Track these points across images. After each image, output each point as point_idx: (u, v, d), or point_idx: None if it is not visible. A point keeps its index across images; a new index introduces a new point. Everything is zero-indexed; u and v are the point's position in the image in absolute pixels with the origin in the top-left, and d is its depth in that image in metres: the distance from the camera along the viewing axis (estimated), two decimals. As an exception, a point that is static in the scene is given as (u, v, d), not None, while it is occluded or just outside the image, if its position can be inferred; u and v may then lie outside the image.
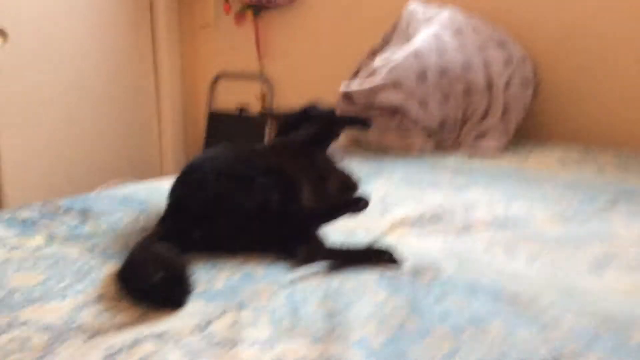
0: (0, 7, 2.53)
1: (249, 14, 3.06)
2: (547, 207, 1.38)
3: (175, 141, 3.39)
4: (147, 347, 0.77)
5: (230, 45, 3.24)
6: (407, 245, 1.14)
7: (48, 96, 2.77)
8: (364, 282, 0.98)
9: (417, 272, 1.01)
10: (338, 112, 2.20)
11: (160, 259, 0.93)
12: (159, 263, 0.94)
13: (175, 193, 1.17)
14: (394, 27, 2.33)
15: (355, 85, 2.11)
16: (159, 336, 0.79)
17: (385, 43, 2.33)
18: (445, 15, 2.20)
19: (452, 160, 1.96)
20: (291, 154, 1.35)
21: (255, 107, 3.23)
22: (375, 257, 1.06)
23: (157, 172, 3.32)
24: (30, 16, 2.66)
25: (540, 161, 1.90)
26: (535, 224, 1.27)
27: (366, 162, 1.92)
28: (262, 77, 3.17)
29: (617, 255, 1.09)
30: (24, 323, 0.84)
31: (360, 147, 2.19)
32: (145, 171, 3.23)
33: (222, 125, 3.34)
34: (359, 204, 1.16)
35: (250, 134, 3.21)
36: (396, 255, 1.05)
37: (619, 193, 1.49)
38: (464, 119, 2.11)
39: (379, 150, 2.12)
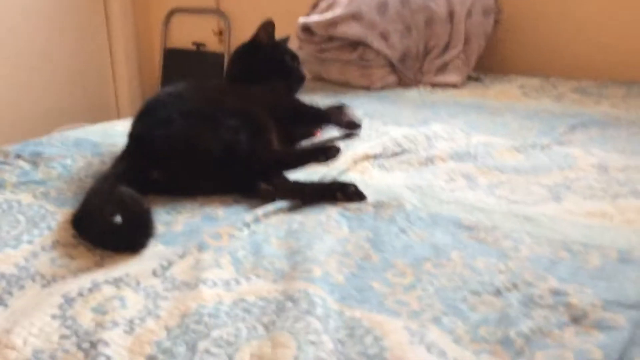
0: None
1: (201, -56, 2.91)
2: (507, 138, 1.39)
3: (130, 81, 3.26)
4: (106, 291, 0.75)
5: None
6: (369, 179, 1.14)
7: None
8: (326, 218, 0.97)
9: (379, 207, 1.01)
10: (297, 45, 2.15)
11: (120, 201, 0.90)
12: (118, 206, 0.90)
13: (135, 131, 1.13)
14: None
15: (315, 17, 2.04)
16: (118, 280, 0.78)
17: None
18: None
19: (414, 94, 1.94)
20: (259, 93, 1.31)
21: (212, 44, 3.13)
22: (339, 191, 1.04)
23: (113, 115, 3.21)
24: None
25: (501, 92, 1.90)
26: (496, 155, 1.27)
27: (327, 98, 1.89)
28: (218, 11, 3.05)
29: (575, 181, 1.11)
30: (-25, 273, 0.81)
31: (321, 83, 2.15)
32: (101, 114, 3.11)
33: (178, 63, 3.22)
34: (329, 152, 1.14)
35: (208, 71, 3.11)
36: (360, 190, 1.05)
37: (577, 120, 1.51)
38: (426, 51, 2.08)
39: (340, 86, 2.09)
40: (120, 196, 0.91)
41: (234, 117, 1.14)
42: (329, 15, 2.00)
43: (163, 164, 1.07)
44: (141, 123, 1.15)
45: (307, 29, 2.07)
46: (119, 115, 3.23)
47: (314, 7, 2.23)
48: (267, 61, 1.46)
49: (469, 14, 2.06)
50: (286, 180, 1.10)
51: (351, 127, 1.41)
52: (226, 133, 1.10)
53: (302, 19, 2.07)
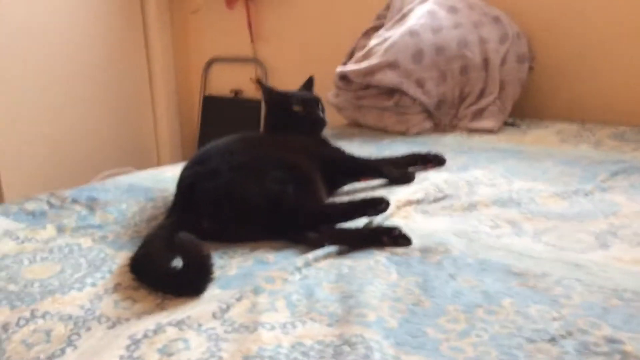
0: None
1: (241, -4, 3.04)
2: (549, 184, 1.40)
3: (171, 128, 3.38)
4: (170, 333, 0.78)
5: (222, 29, 3.21)
6: (413, 225, 1.16)
7: (40, 88, 2.74)
8: (375, 263, 1.00)
9: (426, 252, 1.03)
10: (335, 92, 2.21)
11: (181, 245, 0.94)
12: (179, 250, 0.94)
13: (186, 182, 1.18)
14: (388, 6, 2.32)
15: (352, 66, 2.11)
16: (180, 323, 0.81)
17: (379, 23, 2.33)
18: (439, -7, 2.20)
19: (450, 140, 1.97)
20: (302, 146, 1.35)
21: (249, 91, 3.23)
22: (385, 235, 1.07)
23: (154, 161, 3.31)
24: (17, 9, 2.62)
25: (538, 138, 1.92)
26: (539, 201, 1.29)
27: (365, 144, 1.93)
28: (255, 60, 3.15)
29: (621, 228, 1.11)
30: (45, 314, 0.85)
31: (358, 129, 2.20)
32: (142, 160, 3.22)
33: (216, 110, 3.33)
34: (379, 206, 1.16)
35: (245, 117, 3.20)
36: (405, 233, 1.07)
37: (618, 167, 1.51)
38: (461, 98, 2.12)
39: (377, 132, 2.13)
40: (180, 241, 0.94)
41: (280, 168, 1.18)
42: (365, 64, 2.06)
43: (211, 215, 1.12)
44: (190, 174, 1.20)
45: (344, 77, 2.13)
46: (159, 160, 3.34)
47: (350, 56, 2.30)
48: (278, 111, 1.49)
49: (503, 61, 2.10)
50: (333, 227, 1.13)
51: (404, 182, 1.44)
52: (272, 184, 1.14)
53: (339, 68, 2.14)
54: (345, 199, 1.25)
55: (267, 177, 1.15)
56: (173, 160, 3.04)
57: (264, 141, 1.38)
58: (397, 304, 0.86)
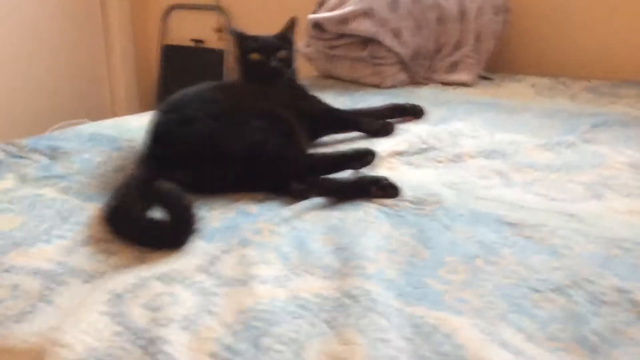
0: None
1: (203, -61, 2.87)
2: (530, 135, 1.38)
3: (127, 78, 3.22)
4: (154, 287, 0.72)
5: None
6: (400, 176, 1.11)
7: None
8: (365, 215, 0.95)
9: (417, 203, 0.99)
10: (306, 42, 2.12)
11: (161, 195, 0.87)
12: (159, 201, 0.87)
13: (158, 130, 1.09)
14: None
15: (326, 14, 2.02)
16: (164, 276, 0.75)
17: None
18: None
19: (426, 92, 1.93)
20: (281, 95, 1.28)
21: (211, 41, 3.09)
22: (373, 186, 1.02)
23: (109, 113, 3.15)
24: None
25: (514, 91, 1.90)
26: (523, 153, 1.26)
27: (339, 96, 1.86)
28: (218, 8, 3.01)
29: (611, 179, 1.10)
30: (9, 269, 0.78)
31: (330, 80, 2.13)
32: (96, 112, 3.06)
33: (177, 60, 3.18)
34: (366, 158, 1.11)
35: (207, 68, 3.07)
36: (394, 183, 1.02)
37: (597, 119, 1.50)
38: (437, 49, 2.07)
39: (350, 84, 2.07)
40: (160, 190, 0.87)
41: (260, 117, 1.11)
42: (340, 11, 1.98)
43: (187, 165, 1.04)
44: (163, 122, 1.11)
45: (317, 26, 2.05)
46: (115, 114, 3.17)
47: (320, 5, 2.20)
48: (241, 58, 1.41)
49: (479, 12, 2.05)
50: (318, 178, 1.07)
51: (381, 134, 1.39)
52: (253, 134, 1.07)
53: (312, 16, 2.05)
54: (328, 150, 1.20)
55: (248, 126, 1.08)
56: (130, 113, 2.90)
57: (242, 90, 1.30)
58: (394, 256, 0.82)
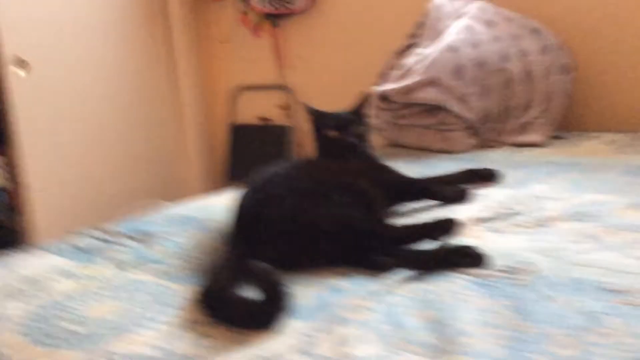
0: (20, 37, 2.49)
1: (267, 24, 3.03)
2: (619, 195, 1.33)
3: (200, 157, 3.36)
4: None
5: (249, 57, 3.20)
6: (488, 244, 1.09)
7: (71, 123, 2.74)
8: (459, 286, 0.93)
9: (512, 272, 0.96)
10: (374, 113, 2.16)
11: (255, 275, 0.89)
12: (253, 280, 0.89)
13: (247, 210, 1.12)
14: (422, 24, 2.28)
15: (391, 85, 2.06)
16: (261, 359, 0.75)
17: (412, 41, 2.29)
18: (475, 7, 2.16)
19: (498, 155, 1.91)
20: (359, 169, 1.30)
21: (277, 118, 3.20)
22: (458, 255, 1.01)
23: (183, 192, 3.28)
24: (50, 43, 2.63)
25: (591, 150, 1.85)
26: (615, 213, 1.21)
27: (410, 164, 1.87)
28: (283, 86, 3.13)
29: None
30: (112, 356, 0.80)
31: (400, 149, 2.14)
32: (171, 190, 3.20)
33: (245, 138, 3.30)
34: (449, 226, 1.11)
35: (274, 145, 3.17)
36: (480, 251, 1.01)
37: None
38: (507, 112, 2.06)
39: (419, 152, 2.07)
40: (252, 270, 0.89)
41: (344, 192, 1.13)
42: (406, 82, 2.02)
43: (275, 243, 1.06)
44: (251, 201, 1.14)
45: (384, 98, 2.09)
46: (187, 192, 3.30)
47: (383, 76, 2.25)
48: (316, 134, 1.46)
49: (547, 72, 2.04)
50: (403, 250, 1.07)
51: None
52: (339, 208, 1.09)
53: (378, 88, 2.10)
54: (409, 221, 1.19)
55: (332, 201, 1.10)
56: (201, 191, 3.00)
57: (321, 166, 1.33)
58: (494, 330, 0.80)
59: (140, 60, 3.06)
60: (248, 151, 3.27)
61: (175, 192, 3.16)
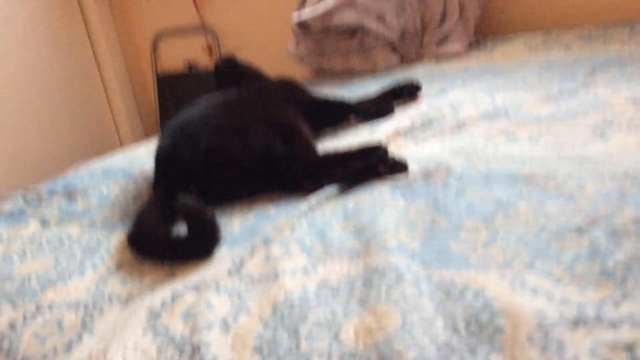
0: None
1: (177, -37, 2.91)
2: (530, 91, 1.38)
3: (128, 111, 3.26)
4: (189, 298, 0.75)
5: (164, 1, 3.07)
6: (408, 153, 1.13)
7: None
8: (379, 195, 0.97)
9: (428, 175, 1.00)
10: (294, 43, 2.14)
11: (184, 209, 0.89)
12: (183, 214, 0.90)
13: (164, 152, 1.12)
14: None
15: (308, 13, 2.04)
16: (196, 286, 0.77)
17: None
18: None
19: (420, 69, 1.93)
20: (279, 95, 1.30)
21: (203, 61, 3.12)
22: (380, 164, 1.04)
23: (117, 147, 3.20)
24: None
25: (507, 52, 1.90)
26: (526, 108, 1.27)
27: (337, 88, 1.88)
28: (204, 28, 3.04)
29: (614, 119, 1.10)
30: (50, 305, 0.81)
31: (325, 75, 2.14)
32: (104, 149, 3.11)
33: (173, 86, 3.21)
34: (377, 152, 1.10)
35: (204, 89, 3.09)
36: (400, 158, 1.04)
37: (594, 63, 1.50)
38: (423, 26, 2.07)
39: (344, 75, 2.08)
40: (183, 204, 0.90)
41: (263, 123, 1.13)
42: (322, 7, 1.99)
43: (199, 181, 1.06)
44: (168, 145, 1.13)
45: (302, 25, 2.06)
46: (122, 146, 3.22)
47: (303, 3, 2.22)
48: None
49: (459, -17, 2.05)
50: (324, 170, 1.09)
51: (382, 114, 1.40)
52: (257, 141, 1.09)
53: (296, 16, 2.07)
54: (338, 145, 1.21)
55: (250, 135, 1.10)
56: (136, 141, 2.94)
57: (240, 98, 1.32)
58: (414, 228, 0.84)
59: (49, 16, 2.89)
60: (176, 99, 3.19)
61: (106, 148, 3.07)
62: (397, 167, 1.04)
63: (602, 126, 1.07)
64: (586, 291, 0.62)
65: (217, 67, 1.56)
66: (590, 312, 0.58)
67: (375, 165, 1.05)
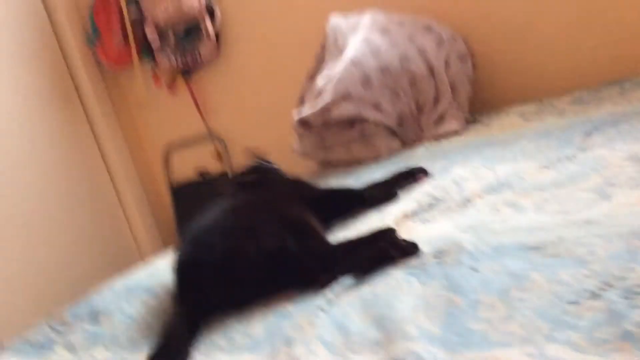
0: None
1: (180, 80, 3.07)
2: (530, 160, 1.41)
3: (145, 223, 3.32)
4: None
5: (171, 115, 3.22)
6: (418, 235, 1.15)
7: (7, 227, 2.67)
8: (394, 280, 0.98)
9: (440, 255, 1.02)
10: (297, 140, 2.22)
11: None
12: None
13: (182, 264, 1.15)
14: (323, 46, 2.37)
15: (307, 110, 2.13)
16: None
17: (319, 63, 2.37)
18: (367, 19, 2.26)
19: (422, 151, 1.99)
20: (287, 193, 1.35)
21: (214, 168, 3.21)
22: (391, 248, 1.05)
23: (137, 259, 3.24)
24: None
25: (504, 124, 1.95)
26: (527, 177, 1.29)
27: (343, 178, 1.93)
28: (211, 136, 3.16)
29: (614, 178, 1.12)
30: None
31: (331, 166, 2.20)
32: (125, 262, 3.14)
33: (188, 195, 3.30)
34: (387, 236, 1.13)
35: (218, 194, 3.17)
36: (410, 240, 1.06)
37: (589, 127, 1.54)
38: (419, 110, 2.15)
39: (349, 166, 2.14)
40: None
41: (272, 222, 1.16)
42: (320, 103, 2.08)
43: (219, 289, 1.09)
44: (185, 257, 1.17)
45: (303, 123, 2.15)
46: (142, 258, 3.26)
47: (301, 101, 2.32)
48: None
49: (447, 65, 2.15)
50: (337, 262, 1.10)
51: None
52: (271, 238, 1.12)
53: (296, 115, 2.16)
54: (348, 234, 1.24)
55: (262, 234, 1.13)
56: (156, 253, 2.97)
57: (250, 200, 1.36)
58: (431, 312, 0.84)
59: (62, 144, 3.02)
60: (193, 207, 3.25)
61: (127, 263, 3.11)
62: (409, 250, 1.05)
63: (603, 187, 1.09)
64: (609, 357, 0.62)
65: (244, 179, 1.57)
66: (615, 379, 0.57)
67: (386, 249, 1.06)
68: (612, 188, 1.08)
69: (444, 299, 0.87)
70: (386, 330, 0.82)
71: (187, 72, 3.03)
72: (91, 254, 3.04)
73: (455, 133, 2.05)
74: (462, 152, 1.75)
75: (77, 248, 2.97)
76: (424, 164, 1.64)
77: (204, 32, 2.83)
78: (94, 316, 1.28)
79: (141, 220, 3.30)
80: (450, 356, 0.71)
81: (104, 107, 3.21)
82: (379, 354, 0.77)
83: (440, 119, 2.13)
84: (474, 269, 0.93)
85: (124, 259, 3.16)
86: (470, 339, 0.74)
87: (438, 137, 2.07)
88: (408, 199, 1.39)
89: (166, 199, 3.36)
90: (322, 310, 0.95)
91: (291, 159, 2.43)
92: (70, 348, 1.14)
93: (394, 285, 0.96)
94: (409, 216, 1.28)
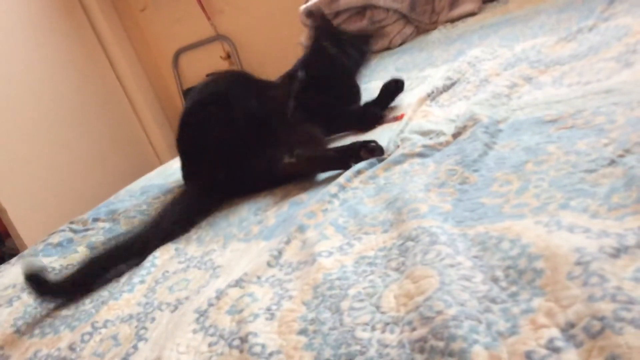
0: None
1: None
2: (550, 34, 1.34)
3: (160, 128, 3.32)
4: (232, 294, 0.76)
5: (176, 18, 3.13)
6: (435, 119, 1.12)
7: (25, 138, 2.69)
8: (409, 165, 0.96)
9: (457, 134, 0.99)
10: (305, 34, 2.14)
11: None
12: None
13: (182, 145, 1.24)
14: None
15: (315, 1, 2.03)
16: (239, 282, 0.78)
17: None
18: None
19: (437, 35, 1.90)
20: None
21: (223, 69, 3.15)
22: (361, 149, 1.05)
23: (156, 163, 3.27)
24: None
25: (522, 2, 1.84)
26: (546, 52, 1.23)
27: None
28: (219, 37, 3.08)
29: (637, 45, 1.05)
30: (105, 323, 0.83)
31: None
32: (145, 166, 3.18)
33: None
34: (371, 148, 1.08)
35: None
36: (380, 145, 1.05)
37: (610, -3, 1.44)
38: (433, -8, 2.04)
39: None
40: None
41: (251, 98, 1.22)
42: (327, -8, 1.98)
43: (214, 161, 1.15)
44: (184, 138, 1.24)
45: (311, 14, 2.06)
46: (160, 162, 3.29)
47: (308, -4, 2.22)
48: None
49: (462, -60, 2.01)
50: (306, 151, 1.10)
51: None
52: (237, 102, 1.19)
53: (302, 6, 2.07)
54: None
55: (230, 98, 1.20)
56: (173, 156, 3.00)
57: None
58: (444, 189, 0.83)
59: (68, 53, 2.97)
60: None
61: (147, 167, 3.14)
62: (377, 152, 1.05)
63: (625, 55, 1.03)
64: (625, 221, 0.60)
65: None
66: (630, 240, 0.56)
67: (358, 149, 1.05)
68: (635, 55, 1.02)
69: (457, 176, 0.85)
70: (397, 211, 0.80)
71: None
72: (112, 162, 3.08)
73: (472, 14, 1.95)
74: (478, 33, 1.67)
75: (100, 157, 3.01)
76: (439, 49, 1.58)
77: None
78: (113, 217, 1.30)
79: (155, 125, 3.31)
80: (461, 230, 0.70)
81: (107, 13, 3.12)
82: (390, 233, 0.76)
83: (456, 1, 2.02)
84: (489, 146, 0.90)
85: (143, 163, 3.20)
86: (482, 213, 0.72)
87: (453, 20, 1.97)
88: (424, 86, 1.34)
89: (178, 103, 3.34)
90: (335, 197, 0.94)
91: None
92: (91, 247, 1.16)
93: (407, 169, 0.94)
94: (424, 100, 1.24)
